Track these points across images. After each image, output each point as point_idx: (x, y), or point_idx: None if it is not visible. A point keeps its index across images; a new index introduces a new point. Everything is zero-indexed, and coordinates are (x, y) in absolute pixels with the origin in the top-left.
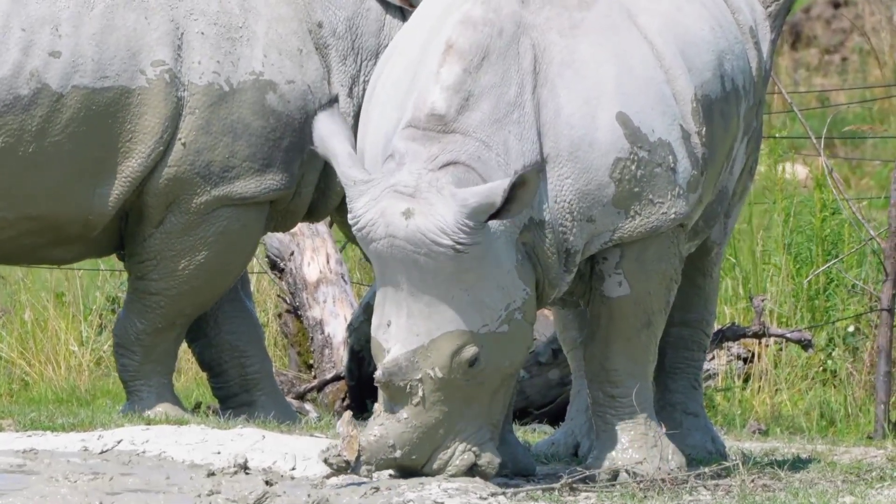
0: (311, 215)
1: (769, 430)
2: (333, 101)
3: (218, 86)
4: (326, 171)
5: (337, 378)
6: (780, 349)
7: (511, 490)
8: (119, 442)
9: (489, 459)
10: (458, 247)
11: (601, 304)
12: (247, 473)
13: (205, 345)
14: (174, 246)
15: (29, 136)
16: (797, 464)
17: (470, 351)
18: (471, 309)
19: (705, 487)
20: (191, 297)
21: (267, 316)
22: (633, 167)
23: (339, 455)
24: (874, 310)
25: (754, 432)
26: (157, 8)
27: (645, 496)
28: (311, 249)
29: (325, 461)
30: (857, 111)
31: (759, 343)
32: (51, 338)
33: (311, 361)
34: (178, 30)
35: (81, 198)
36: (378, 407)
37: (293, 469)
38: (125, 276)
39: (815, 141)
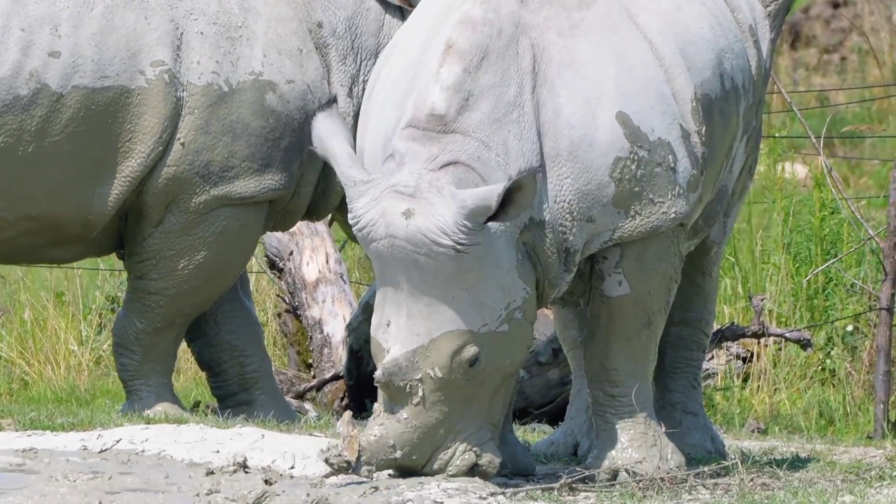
0: (311, 214)
1: (768, 429)
2: (333, 101)
3: (217, 86)
4: (326, 170)
5: (336, 377)
6: (780, 348)
7: (510, 490)
8: (118, 441)
9: (490, 459)
10: (459, 247)
11: (601, 304)
12: (246, 472)
13: (204, 344)
14: (173, 245)
15: (28, 136)
16: (796, 463)
17: (470, 351)
18: (471, 309)
19: (704, 486)
20: (190, 296)
21: (266, 315)
22: (633, 167)
23: (339, 455)
24: (873, 309)
25: (753, 431)
26: (157, 8)
27: (644, 495)
28: (310, 249)
29: (326, 461)
30: (856, 111)
31: (759, 342)
32: (50, 337)
33: (311, 361)
34: (177, 30)
35: (81, 198)
36: (378, 407)
37: (292, 468)
38: (125, 275)
39: (814, 140)
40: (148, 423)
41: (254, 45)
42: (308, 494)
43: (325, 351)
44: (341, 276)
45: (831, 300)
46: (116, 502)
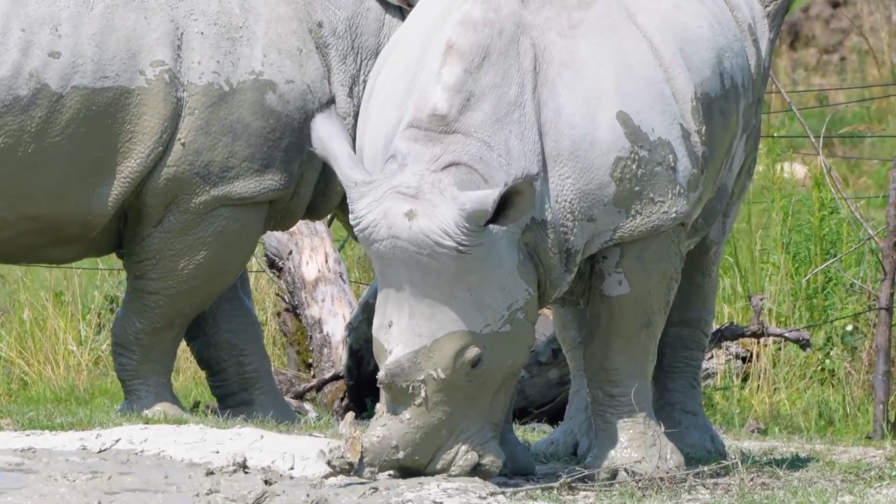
0: (311, 214)
1: (768, 429)
2: (333, 101)
3: (217, 86)
4: (326, 170)
5: (336, 377)
6: (779, 348)
7: (510, 489)
8: (117, 441)
9: (492, 459)
10: (461, 248)
11: (601, 303)
12: (245, 472)
13: (203, 343)
14: (173, 245)
15: (28, 137)
16: (796, 463)
17: (473, 351)
18: (473, 309)
19: (704, 486)
20: (189, 296)
21: (266, 315)
22: (634, 166)
23: (342, 457)
24: (872, 309)
25: (753, 431)
26: (157, 8)
27: (644, 495)
28: (310, 248)
29: (328, 463)
30: (855, 111)
31: (758, 342)
32: (49, 337)
33: (310, 360)
34: (177, 30)
35: (81, 198)
36: (380, 408)
37: (292, 468)
38: (124, 275)
39: (813, 140)
40: (147, 423)
41: (254, 45)
42: (308, 495)
43: (325, 350)
44: (341, 276)
45: (831, 300)
46: (116, 502)
